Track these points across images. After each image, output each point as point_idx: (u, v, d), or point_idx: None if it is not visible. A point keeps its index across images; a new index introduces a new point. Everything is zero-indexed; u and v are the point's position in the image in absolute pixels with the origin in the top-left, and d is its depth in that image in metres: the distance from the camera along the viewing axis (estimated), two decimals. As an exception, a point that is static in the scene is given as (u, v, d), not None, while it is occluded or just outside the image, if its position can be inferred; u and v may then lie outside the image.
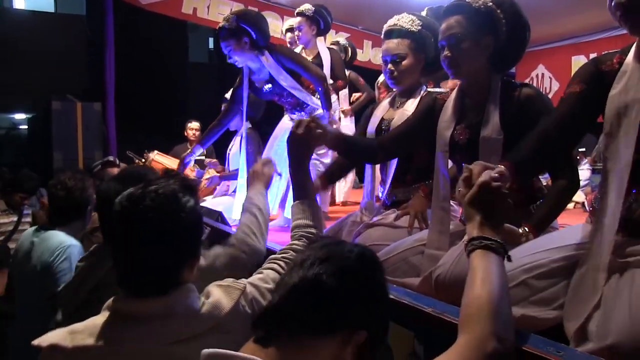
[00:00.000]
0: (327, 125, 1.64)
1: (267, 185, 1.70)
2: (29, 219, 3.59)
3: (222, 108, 3.82)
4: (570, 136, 1.36)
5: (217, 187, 3.83)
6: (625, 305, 1.03)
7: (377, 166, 2.22)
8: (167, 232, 1.00)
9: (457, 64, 1.62)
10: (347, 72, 4.12)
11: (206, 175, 4.05)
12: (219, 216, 2.77)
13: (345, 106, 4.36)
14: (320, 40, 3.82)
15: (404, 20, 2.09)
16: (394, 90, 2.26)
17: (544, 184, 1.80)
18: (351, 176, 4.30)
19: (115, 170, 3.34)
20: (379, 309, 0.83)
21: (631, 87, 1.16)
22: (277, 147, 3.00)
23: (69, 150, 5.68)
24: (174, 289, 1.01)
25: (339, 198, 4.21)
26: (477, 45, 1.59)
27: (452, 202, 1.84)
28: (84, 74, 7.02)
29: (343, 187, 4.24)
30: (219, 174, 3.91)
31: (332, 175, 2.20)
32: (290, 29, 3.93)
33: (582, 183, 3.13)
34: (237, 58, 2.77)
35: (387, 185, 2.15)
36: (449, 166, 1.72)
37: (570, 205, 3.34)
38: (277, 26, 5.52)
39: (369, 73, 5.54)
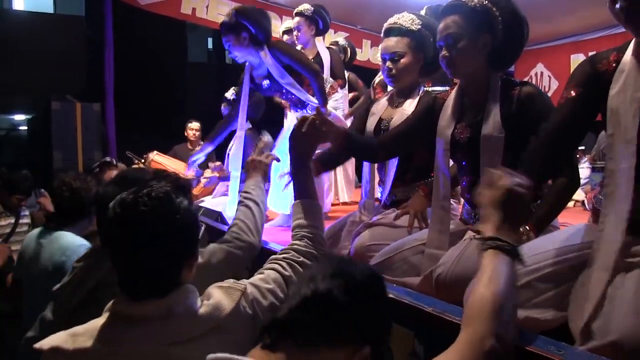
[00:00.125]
0: (331, 121, 1.62)
1: (266, 176, 1.69)
2: (26, 220, 3.58)
3: (222, 108, 3.82)
4: (572, 140, 1.38)
5: (216, 188, 3.83)
6: (630, 303, 1.04)
7: (376, 165, 2.22)
8: (163, 234, 0.99)
9: (455, 63, 1.62)
10: (346, 74, 4.11)
11: (205, 175, 4.06)
12: (218, 216, 2.78)
13: (345, 108, 4.36)
14: (319, 40, 3.82)
15: (404, 19, 2.09)
16: (391, 89, 2.26)
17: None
18: (352, 176, 4.29)
19: (114, 172, 3.34)
20: (384, 327, 0.87)
21: (629, 86, 1.16)
22: (284, 147, 3.00)
23: (68, 151, 5.68)
24: (173, 290, 1.01)
25: (342, 198, 4.21)
26: (475, 44, 1.59)
27: (452, 201, 1.84)
28: (83, 74, 7.01)
29: (344, 188, 4.23)
30: (218, 175, 3.91)
31: (326, 162, 2.14)
32: (288, 31, 3.93)
33: (582, 181, 3.14)
34: (237, 53, 2.78)
35: (387, 185, 2.15)
36: (449, 165, 1.72)
37: (570, 204, 3.34)
38: (276, 26, 5.50)
39: (369, 72, 5.53)
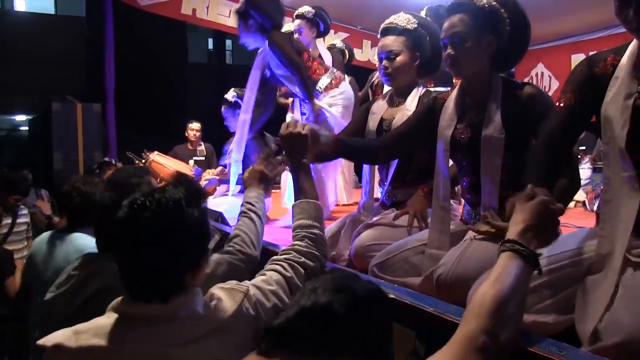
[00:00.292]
0: (321, 133, 1.60)
1: (268, 189, 1.69)
2: (24, 220, 3.58)
3: (222, 108, 3.82)
4: (570, 142, 1.40)
5: (217, 188, 3.84)
6: (637, 303, 1.04)
7: (376, 166, 2.22)
8: (165, 232, 0.99)
9: (459, 62, 1.62)
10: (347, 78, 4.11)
11: (205, 176, 4.07)
12: (219, 217, 2.77)
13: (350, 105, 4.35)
14: (320, 42, 3.81)
15: (400, 18, 2.09)
16: (389, 89, 2.26)
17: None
18: (349, 178, 4.28)
19: (114, 172, 3.35)
20: (384, 343, 0.86)
21: (621, 94, 1.17)
22: None
23: (69, 151, 5.69)
24: (178, 294, 1.01)
25: (341, 200, 4.20)
26: (480, 44, 1.59)
27: (452, 202, 1.84)
28: (83, 75, 7.03)
29: (343, 190, 4.21)
30: (217, 177, 3.93)
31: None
32: (289, 33, 3.93)
33: (583, 182, 3.13)
34: (246, 40, 2.85)
35: (387, 186, 2.15)
36: (449, 165, 1.72)
37: (571, 204, 3.33)
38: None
39: (369, 73, 5.52)
